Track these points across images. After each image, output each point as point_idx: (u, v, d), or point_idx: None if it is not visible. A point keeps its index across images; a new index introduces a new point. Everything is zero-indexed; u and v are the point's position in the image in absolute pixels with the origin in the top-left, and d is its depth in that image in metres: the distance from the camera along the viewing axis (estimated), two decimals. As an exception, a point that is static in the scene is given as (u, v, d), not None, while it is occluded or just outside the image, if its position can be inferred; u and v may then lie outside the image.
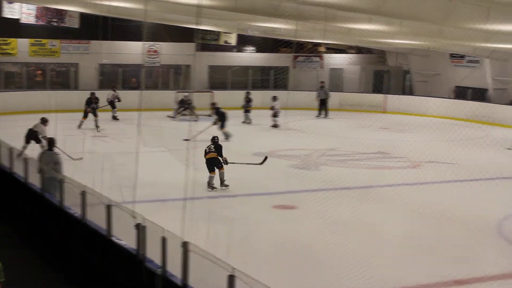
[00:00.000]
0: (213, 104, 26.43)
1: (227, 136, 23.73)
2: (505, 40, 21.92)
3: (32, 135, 19.38)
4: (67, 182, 11.44)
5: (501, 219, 14.40)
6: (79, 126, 25.80)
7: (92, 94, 27.14)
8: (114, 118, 28.94)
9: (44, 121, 19.70)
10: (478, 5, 14.85)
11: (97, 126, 25.56)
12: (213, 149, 16.64)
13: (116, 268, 9.83)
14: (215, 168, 16.46)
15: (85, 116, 26.25)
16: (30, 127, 19.59)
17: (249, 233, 12.92)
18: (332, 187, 17.16)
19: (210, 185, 16.35)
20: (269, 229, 13.27)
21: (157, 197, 15.48)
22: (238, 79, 36.41)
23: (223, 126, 24.31)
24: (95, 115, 26.09)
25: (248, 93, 29.90)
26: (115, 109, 29.13)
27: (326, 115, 32.52)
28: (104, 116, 26.91)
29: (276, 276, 10.34)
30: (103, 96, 28.42)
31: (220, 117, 24.52)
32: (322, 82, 33.97)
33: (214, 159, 16.51)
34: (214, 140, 17.00)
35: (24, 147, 18.77)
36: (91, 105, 26.36)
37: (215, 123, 24.42)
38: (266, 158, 18.14)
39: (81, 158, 18.99)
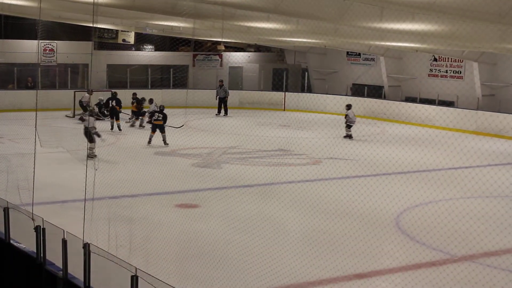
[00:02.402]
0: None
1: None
2: (398, 39, 22.53)
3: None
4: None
5: (398, 213, 14.82)
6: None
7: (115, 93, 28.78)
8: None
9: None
10: (371, 5, 15.19)
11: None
12: (161, 119, 22.95)
13: (15, 272, 9.61)
14: (158, 131, 22.78)
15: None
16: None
17: (151, 233, 12.83)
18: (234, 185, 17.27)
19: (150, 142, 22.84)
20: (171, 229, 13.20)
21: (56, 198, 15.18)
22: (137, 78, 36.05)
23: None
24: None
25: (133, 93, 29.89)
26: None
27: (225, 114, 32.61)
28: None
29: (180, 275, 10.33)
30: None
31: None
32: (220, 81, 34.05)
33: (160, 125, 22.84)
34: (161, 109, 23.35)
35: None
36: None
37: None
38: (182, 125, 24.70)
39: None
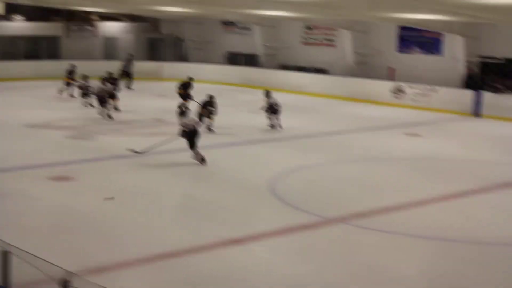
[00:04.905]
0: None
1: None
2: (272, 7, 22.80)
3: None
4: None
5: (273, 179, 15.07)
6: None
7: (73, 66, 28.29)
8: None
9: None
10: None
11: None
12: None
13: None
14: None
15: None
16: None
17: (25, 207, 12.53)
18: (109, 156, 17.08)
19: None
20: (46, 202, 12.97)
21: None
22: (8, 49, 34.86)
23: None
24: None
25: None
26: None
27: (130, 86, 31.71)
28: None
29: (55, 249, 10.16)
30: None
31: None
32: (131, 54, 33.45)
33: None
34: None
35: None
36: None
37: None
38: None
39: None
